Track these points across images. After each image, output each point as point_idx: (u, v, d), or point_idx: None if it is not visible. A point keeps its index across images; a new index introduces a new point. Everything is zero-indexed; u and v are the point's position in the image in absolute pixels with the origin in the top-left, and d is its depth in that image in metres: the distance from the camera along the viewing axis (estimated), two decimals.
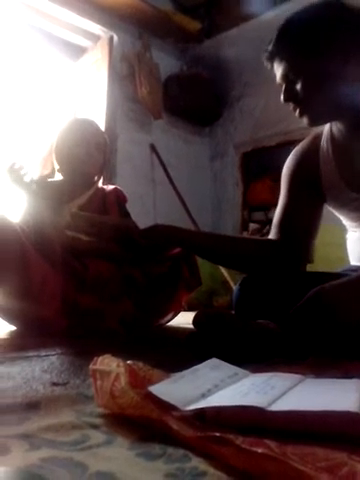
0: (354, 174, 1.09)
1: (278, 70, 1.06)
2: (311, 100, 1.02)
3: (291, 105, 1.06)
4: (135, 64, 3.29)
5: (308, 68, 1.01)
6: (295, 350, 0.86)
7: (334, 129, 1.13)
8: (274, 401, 0.46)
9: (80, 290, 1.42)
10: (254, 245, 1.25)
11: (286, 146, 2.74)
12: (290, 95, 1.04)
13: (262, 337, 0.90)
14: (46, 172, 1.80)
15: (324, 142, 1.15)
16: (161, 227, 1.22)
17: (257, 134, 3.63)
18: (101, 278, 1.46)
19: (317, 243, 1.25)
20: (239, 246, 1.24)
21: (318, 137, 1.18)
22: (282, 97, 1.06)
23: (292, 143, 1.36)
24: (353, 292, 0.87)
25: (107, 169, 1.87)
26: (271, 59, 1.06)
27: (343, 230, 1.27)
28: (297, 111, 1.06)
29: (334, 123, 1.12)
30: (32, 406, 0.54)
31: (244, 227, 3.69)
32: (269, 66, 1.08)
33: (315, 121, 1.08)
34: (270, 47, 1.06)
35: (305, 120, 1.07)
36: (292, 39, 1.03)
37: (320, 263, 2.73)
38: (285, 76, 1.04)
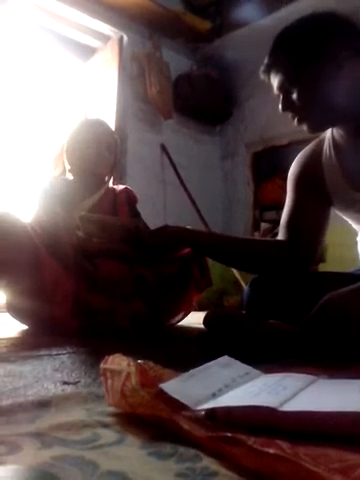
0: (357, 174, 1.09)
1: (274, 81, 1.07)
2: (308, 108, 1.04)
3: (290, 114, 1.08)
4: (145, 64, 3.30)
5: (303, 77, 1.02)
6: (306, 351, 0.86)
7: (335, 133, 1.13)
8: (286, 402, 0.45)
9: (91, 290, 1.43)
10: (264, 246, 1.25)
11: (297, 145, 2.72)
12: (288, 105, 1.06)
13: (273, 337, 0.89)
14: (57, 172, 1.80)
15: (326, 146, 1.16)
16: (171, 228, 1.23)
17: (268, 133, 3.62)
18: (112, 279, 1.46)
19: (330, 243, 1.25)
20: (249, 247, 1.24)
21: (321, 142, 1.19)
22: (280, 107, 1.07)
23: (303, 142, 1.36)
24: None
25: (117, 169, 1.87)
26: (267, 71, 1.08)
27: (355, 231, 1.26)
28: (296, 119, 1.07)
29: (335, 128, 1.12)
30: (43, 405, 0.54)
31: (255, 227, 3.68)
32: (266, 79, 1.10)
33: (314, 128, 1.09)
34: (266, 60, 1.08)
35: (305, 127, 1.08)
36: (285, 50, 1.05)
37: (333, 263, 2.71)
38: (281, 87, 1.06)
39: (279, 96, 1.08)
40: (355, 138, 1.08)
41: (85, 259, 1.48)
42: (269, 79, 1.09)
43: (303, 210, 1.20)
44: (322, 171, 1.16)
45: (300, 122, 1.07)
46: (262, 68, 1.09)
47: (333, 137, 1.14)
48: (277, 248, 1.20)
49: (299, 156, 1.25)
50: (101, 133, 1.72)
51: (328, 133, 1.16)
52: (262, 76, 1.10)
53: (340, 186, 1.13)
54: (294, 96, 1.03)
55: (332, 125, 1.12)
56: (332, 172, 1.14)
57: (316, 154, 1.18)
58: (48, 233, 1.47)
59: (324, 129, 1.15)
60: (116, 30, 3.29)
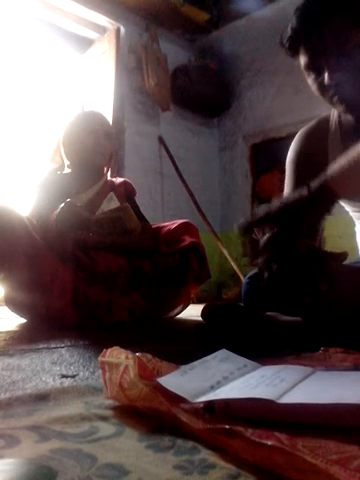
0: None
1: (319, 44, 0.93)
2: None
3: (331, 90, 0.96)
4: (142, 56, 3.27)
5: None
6: (305, 342, 0.86)
7: (343, 118, 1.10)
8: (284, 394, 0.45)
9: (89, 283, 1.43)
10: None
11: None
12: (339, 66, 0.92)
13: (271, 329, 0.89)
14: (54, 166, 1.80)
15: (332, 127, 1.12)
16: None
17: (267, 125, 3.60)
18: (110, 271, 1.46)
19: (328, 235, 1.23)
20: None
21: (325, 120, 1.14)
22: (326, 77, 0.93)
23: None
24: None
25: (115, 161, 1.87)
26: (305, 36, 0.95)
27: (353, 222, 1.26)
28: (335, 98, 0.96)
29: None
30: (41, 398, 0.54)
31: None
32: (287, 48, 0.99)
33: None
34: (301, 26, 0.94)
35: (340, 101, 0.97)
36: (340, 11, 0.92)
37: None
38: (340, 44, 0.91)
39: (309, 71, 0.96)
40: None
41: (82, 252, 1.47)
42: (296, 52, 0.97)
43: None
44: (326, 150, 1.12)
45: (340, 94, 0.95)
46: (293, 34, 0.95)
47: (340, 121, 1.10)
48: None
49: (302, 132, 1.19)
50: (98, 123, 1.72)
51: (335, 115, 1.12)
52: (285, 43, 0.97)
53: None
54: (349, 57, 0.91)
55: None
56: (337, 155, 1.11)
57: (321, 131, 1.14)
58: (45, 226, 1.46)
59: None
60: (113, 21, 3.26)
